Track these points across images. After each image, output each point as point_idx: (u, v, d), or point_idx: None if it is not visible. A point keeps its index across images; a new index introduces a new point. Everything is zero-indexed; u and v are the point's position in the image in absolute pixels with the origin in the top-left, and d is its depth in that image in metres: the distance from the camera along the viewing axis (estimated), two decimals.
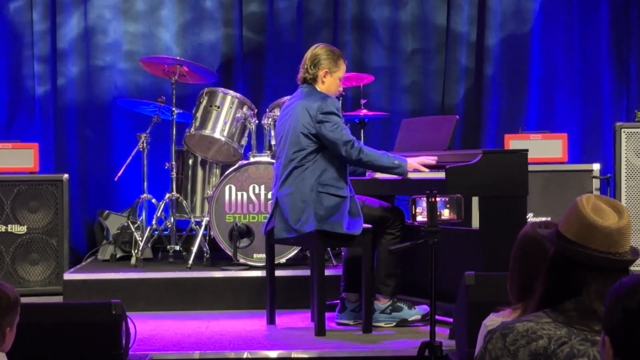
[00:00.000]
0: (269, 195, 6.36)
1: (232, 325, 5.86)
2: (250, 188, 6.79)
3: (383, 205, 5.76)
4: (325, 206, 5.40)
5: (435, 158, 5.63)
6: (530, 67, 8.42)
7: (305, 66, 5.61)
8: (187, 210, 7.21)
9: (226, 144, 7.16)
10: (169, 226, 7.19)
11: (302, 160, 5.47)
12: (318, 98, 5.51)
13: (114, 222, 7.55)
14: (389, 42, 8.42)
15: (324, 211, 5.40)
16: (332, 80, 5.62)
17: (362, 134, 7.48)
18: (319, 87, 5.60)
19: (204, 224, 7.03)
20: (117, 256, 7.29)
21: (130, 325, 4.51)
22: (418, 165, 5.56)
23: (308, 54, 5.66)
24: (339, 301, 5.82)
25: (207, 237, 7.09)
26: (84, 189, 8.21)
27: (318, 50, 5.64)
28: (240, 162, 6.91)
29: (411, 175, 5.58)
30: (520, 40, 8.43)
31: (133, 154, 7.20)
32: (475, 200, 5.61)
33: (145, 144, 7.20)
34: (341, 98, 7.17)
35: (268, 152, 6.92)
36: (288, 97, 5.97)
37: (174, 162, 7.18)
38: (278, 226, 5.55)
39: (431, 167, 5.62)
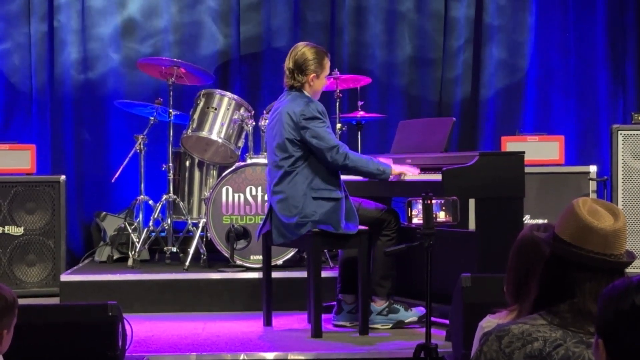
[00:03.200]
0: (266, 197, 6.36)
1: (229, 327, 5.86)
2: (247, 189, 6.79)
3: (379, 207, 5.76)
4: (320, 212, 5.39)
5: (418, 171, 5.63)
6: (527, 69, 8.43)
7: (293, 73, 5.51)
8: (184, 211, 7.22)
9: (223, 146, 7.16)
10: (166, 228, 7.19)
11: (292, 166, 5.44)
12: (302, 103, 5.46)
13: (111, 224, 7.54)
14: (386, 44, 8.43)
15: (319, 216, 5.39)
16: (318, 82, 5.58)
17: (359, 136, 7.49)
18: (306, 90, 5.56)
19: (200, 225, 7.03)
20: (114, 257, 7.29)
21: (127, 326, 4.51)
22: (403, 170, 5.56)
23: (293, 58, 5.53)
24: (335, 303, 5.83)
25: (204, 239, 7.10)
26: (81, 191, 8.21)
27: (303, 54, 5.52)
28: (237, 164, 6.92)
29: (408, 177, 5.58)
30: (517, 43, 8.44)
31: (130, 155, 7.20)
32: (472, 202, 5.62)
33: (142, 146, 7.21)
34: (338, 99, 7.18)
35: (265, 153, 6.92)
36: (276, 101, 5.94)
37: (171, 164, 7.18)
38: (274, 232, 5.55)
39: (428, 169, 5.64)
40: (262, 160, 6.83)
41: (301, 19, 8.41)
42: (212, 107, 7.10)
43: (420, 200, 4.24)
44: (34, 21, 8.14)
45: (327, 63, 5.62)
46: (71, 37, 8.21)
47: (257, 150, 7.11)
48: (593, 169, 7.10)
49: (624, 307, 1.87)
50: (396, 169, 5.55)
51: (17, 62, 8.16)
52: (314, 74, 5.53)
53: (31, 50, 8.15)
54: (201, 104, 7.14)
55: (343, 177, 5.62)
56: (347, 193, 5.52)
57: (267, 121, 6.86)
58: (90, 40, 8.24)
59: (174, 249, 7.14)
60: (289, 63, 5.55)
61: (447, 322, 5.28)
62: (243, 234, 6.75)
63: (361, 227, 5.50)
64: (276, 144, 5.52)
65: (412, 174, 5.59)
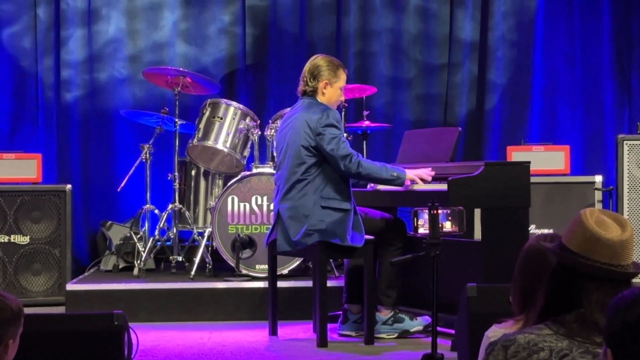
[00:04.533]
0: (272, 207, 6.37)
1: (234, 336, 5.86)
2: (253, 199, 6.80)
3: (385, 217, 5.76)
4: (328, 222, 5.39)
5: (433, 173, 5.63)
6: (533, 78, 8.44)
7: (305, 79, 5.62)
8: (189, 221, 7.22)
9: (229, 155, 7.17)
10: (172, 237, 7.20)
11: (304, 174, 5.47)
12: (318, 110, 5.51)
13: (116, 233, 7.55)
14: (392, 54, 8.44)
15: (326, 225, 5.39)
16: (332, 90, 5.62)
17: (364, 146, 7.49)
18: (320, 98, 5.60)
19: (206, 234, 7.04)
20: (120, 267, 7.29)
21: (133, 335, 4.51)
22: (415, 177, 5.58)
23: (307, 66, 5.66)
24: (341, 312, 5.83)
25: (210, 248, 7.10)
26: (86, 200, 8.22)
27: (317, 61, 5.64)
28: (242, 173, 6.92)
29: (413, 187, 5.59)
30: (522, 53, 8.45)
31: (136, 164, 7.21)
32: (477, 212, 5.62)
33: (148, 155, 7.22)
34: (344, 109, 7.19)
35: (271, 163, 6.94)
36: (289, 109, 5.98)
37: (176, 173, 7.18)
38: (280, 239, 5.55)
39: (433, 179, 5.63)
40: (267, 169, 6.84)
41: (307, 29, 8.42)
42: (218, 117, 7.11)
43: (426, 210, 4.25)
44: (41, 30, 8.17)
45: (342, 74, 5.66)
46: (78, 45, 8.23)
47: (263, 160, 7.12)
48: (598, 178, 7.10)
49: (631, 317, 1.88)
50: (410, 173, 5.56)
51: (24, 70, 8.19)
52: (326, 81, 5.57)
53: (38, 59, 8.17)
54: (207, 114, 7.15)
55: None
56: (355, 205, 5.52)
57: (272, 131, 6.89)
58: (96, 47, 8.26)
59: (180, 258, 7.14)
60: (304, 71, 5.64)
61: (453, 331, 5.27)
62: (248, 243, 6.75)
63: (367, 237, 5.50)
64: (290, 150, 5.53)
65: (427, 176, 5.59)
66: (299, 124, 5.51)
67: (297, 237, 5.45)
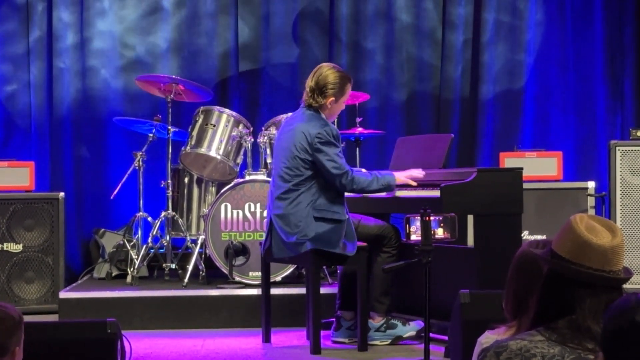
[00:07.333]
0: (265, 214, 6.36)
1: (228, 344, 5.85)
2: (246, 206, 6.80)
3: (379, 224, 5.76)
4: (321, 232, 5.38)
5: (423, 174, 5.63)
6: (525, 85, 8.45)
7: (313, 92, 5.51)
8: (182, 228, 7.22)
9: (222, 162, 7.17)
10: (165, 244, 7.19)
11: (297, 184, 5.45)
12: (318, 125, 5.46)
13: (109, 241, 7.54)
14: (384, 60, 8.44)
15: (318, 236, 5.38)
16: (337, 106, 5.59)
17: (357, 152, 7.50)
18: (323, 112, 5.57)
19: (199, 242, 7.03)
20: (113, 274, 7.28)
21: (126, 343, 4.50)
22: (406, 180, 5.58)
23: (316, 78, 5.54)
24: (334, 319, 5.82)
25: (203, 255, 7.09)
26: (79, 207, 8.20)
27: (327, 75, 5.53)
28: (235, 181, 6.92)
29: (406, 194, 5.59)
30: (515, 58, 8.45)
31: (129, 172, 7.20)
32: (470, 219, 5.62)
33: (141, 162, 7.21)
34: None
35: (264, 170, 6.94)
36: (284, 115, 5.96)
37: (169, 181, 7.18)
38: (275, 246, 5.55)
39: (426, 185, 5.64)
40: (260, 176, 6.84)
41: (300, 35, 8.42)
42: (211, 124, 7.11)
43: (419, 217, 4.25)
44: (32, 39, 8.16)
45: (349, 89, 5.64)
46: (70, 53, 8.22)
47: (256, 167, 7.12)
48: (591, 184, 7.10)
49: (624, 323, 1.88)
50: (400, 176, 5.57)
51: (16, 78, 8.17)
52: (332, 98, 5.54)
53: (30, 67, 8.16)
54: (200, 121, 7.15)
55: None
56: (348, 216, 5.51)
57: (265, 138, 6.91)
58: (89, 54, 8.25)
59: (173, 266, 7.13)
60: (310, 81, 5.56)
61: (446, 338, 5.27)
62: (242, 250, 6.75)
63: (360, 244, 5.50)
64: (285, 159, 5.52)
65: (414, 184, 5.60)
66: (297, 135, 5.48)
67: (290, 245, 5.44)
